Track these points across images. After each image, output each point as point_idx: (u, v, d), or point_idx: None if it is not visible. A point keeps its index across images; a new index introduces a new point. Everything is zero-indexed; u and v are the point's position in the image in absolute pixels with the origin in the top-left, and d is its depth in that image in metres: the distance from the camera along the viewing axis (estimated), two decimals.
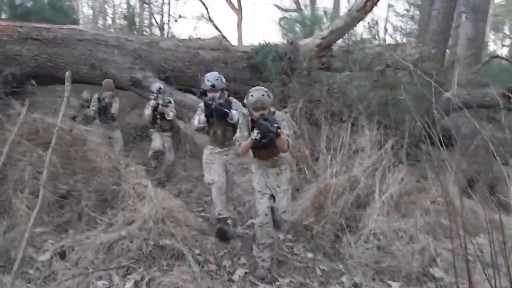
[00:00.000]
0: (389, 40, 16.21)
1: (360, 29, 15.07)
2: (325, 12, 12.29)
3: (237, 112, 4.08)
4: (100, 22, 21.27)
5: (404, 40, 16.79)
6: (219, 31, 18.59)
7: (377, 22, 8.33)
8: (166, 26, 18.78)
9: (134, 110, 9.28)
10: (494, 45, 25.09)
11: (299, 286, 3.50)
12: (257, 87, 3.64)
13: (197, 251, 3.81)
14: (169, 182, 6.28)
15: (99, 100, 6.51)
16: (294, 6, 19.80)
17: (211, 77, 4.15)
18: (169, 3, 19.41)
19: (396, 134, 5.39)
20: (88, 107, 7.36)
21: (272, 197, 3.65)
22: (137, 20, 14.91)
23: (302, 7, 18.48)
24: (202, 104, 4.15)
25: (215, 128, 4.23)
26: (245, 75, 8.17)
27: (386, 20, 20.82)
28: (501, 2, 22.36)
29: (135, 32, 12.02)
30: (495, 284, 1.85)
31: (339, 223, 4.23)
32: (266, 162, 3.66)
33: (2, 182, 3.95)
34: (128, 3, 19.00)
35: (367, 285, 3.40)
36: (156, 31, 17.44)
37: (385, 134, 5.36)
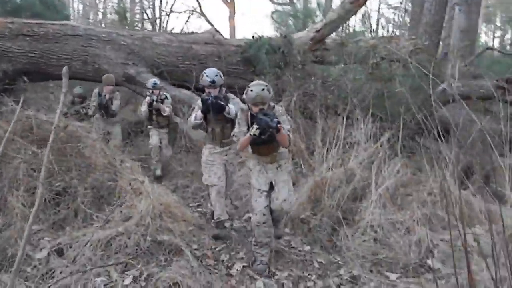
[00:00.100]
0: (381, 33, 16.25)
1: (353, 22, 15.09)
2: (318, 4, 12.24)
3: (234, 106, 4.01)
4: (91, 17, 21.10)
5: (397, 33, 16.84)
6: (211, 25, 18.48)
7: (369, 15, 8.28)
8: (157, 21, 18.65)
9: (127, 106, 9.24)
10: (486, 37, 25.28)
11: (298, 279, 3.51)
12: (257, 81, 3.54)
13: (195, 246, 3.83)
14: (165, 177, 6.27)
15: (99, 95, 6.46)
16: (286, 0, 19.75)
17: (210, 73, 4.05)
18: None
19: (391, 127, 5.41)
20: (81, 102, 7.34)
21: (272, 187, 3.58)
22: (128, 15, 14.78)
23: (295, 0, 18.44)
24: (199, 101, 4.06)
25: (213, 125, 4.13)
26: (238, 69, 8.16)
27: (378, 12, 20.88)
28: None
29: (126, 27, 11.91)
30: (496, 274, 1.87)
31: (336, 216, 4.25)
32: (265, 158, 3.57)
33: None
34: None
35: (365, 277, 3.41)
36: (148, 26, 17.32)
37: (380, 126, 5.38)
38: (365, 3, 8.20)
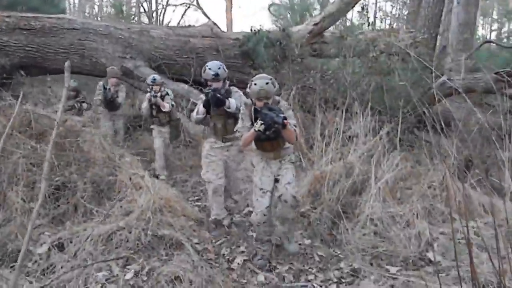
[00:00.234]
0: (378, 26, 16.20)
1: (350, 14, 15.02)
2: None
3: (235, 101, 3.90)
4: (87, 10, 20.97)
5: (394, 26, 16.81)
6: (208, 18, 18.40)
7: (367, 8, 8.24)
8: (154, 14, 18.56)
9: (125, 100, 9.18)
10: (483, 30, 25.28)
11: (298, 272, 3.52)
12: (261, 74, 3.41)
13: (196, 240, 3.83)
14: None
15: (104, 88, 6.40)
16: None
17: (213, 66, 3.90)
18: None
19: (390, 120, 5.41)
20: (75, 96, 7.32)
21: (276, 180, 3.49)
22: (124, 8, 14.70)
23: None
24: (203, 96, 3.94)
25: (215, 120, 4.03)
26: (237, 63, 8.14)
27: (376, 5, 20.82)
28: None
29: (122, 20, 11.86)
30: (499, 266, 1.88)
31: (336, 209, 4.25)
32: (269, 154, 3.46)
33: None
34: None
35: (365, 270, 3.42)
36: (144, 19, 17.24)
37: (379, 120, 5.38)
38: None
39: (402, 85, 5.32)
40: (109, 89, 6.40)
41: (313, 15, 10.37)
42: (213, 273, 3.27)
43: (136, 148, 6.52)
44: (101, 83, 6.49)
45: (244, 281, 3.38)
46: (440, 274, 3.18)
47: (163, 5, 19.49)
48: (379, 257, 3.68)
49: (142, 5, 18.99)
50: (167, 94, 5.93)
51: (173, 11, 45.24)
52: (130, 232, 3.46)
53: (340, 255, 3.79)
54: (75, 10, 20.81)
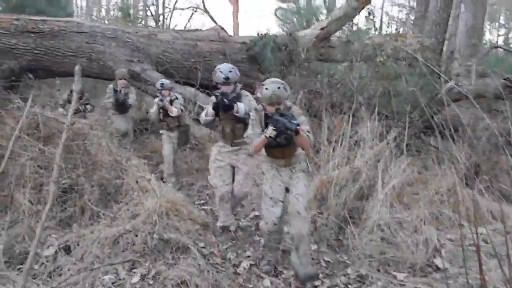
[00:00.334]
0: (385, 31, 16.20)
1: (357, 19, 15.02)
2: (324, 1, 12.20)
3: (244, 105, 3.79)
4: (94, 14, 21.11)
5: (401, 30, 16.77)
6: (215, 22, 18.45)
7: (373, 13, 8.24)
8: (161, 18, 18.65)
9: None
10: (490, 35, 25.16)
11: None
12: (272, 79, 3.28)
13: (202, 244, 3.81)
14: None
15: (115, 91, 6.41)
16: None
17: (224, 69, 3.80)
18: None
19: (397, 125, 5.39)
20: (79, 99, 7.32)
21: (287, 190, 3.39)
22: (131, 11, 14.77)
23: None
24: (213, 97, 3.86)
25: (224, 124, 3.95)
26: (244, 67, 8.12)
27: (382, 9, 20.81)
28: None
29: (129, 23, 11.91)
30: (509, 273, 1.86)
31: (343, 215, 4.24)
32: (280, 161, 3.34)
33: (3, 177, 3.91)
34: None
35: (372, 277, 3.40)
36: (151, 23, 17.32)
37: (386, 125, 5.36)
38: (371, 1, 8.16)
39: (409, 90, 5.29)
40: (120, 91, 6.41)
41: (320, 19, 10.35)
42: (219, 278, 3.26)
43: (143, 151, 6.54)
44: (111, 85, 6.48)
45: (250, 286, 3.37)
46: (448, 281, 3.16)
47: (170, 9, 19.58)
48: (386, 263, 3.66)
49: (149, 9, 19.09)
50: (176, 98, 5.81)
51: (180, 14, 45.48)
52: (136, 236, 3.45)
53: (347, 261, 3.77)
54: (82, 13, 20.96)
